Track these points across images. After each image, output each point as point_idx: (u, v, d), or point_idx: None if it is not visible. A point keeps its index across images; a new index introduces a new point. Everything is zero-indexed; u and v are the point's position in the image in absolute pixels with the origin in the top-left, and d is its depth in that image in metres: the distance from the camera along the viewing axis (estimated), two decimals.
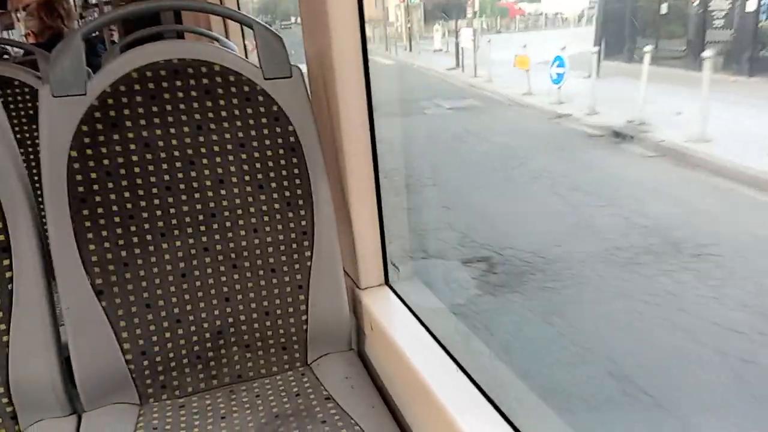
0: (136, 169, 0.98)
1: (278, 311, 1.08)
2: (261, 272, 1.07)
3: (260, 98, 1.03)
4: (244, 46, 2.63)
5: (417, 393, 0.94)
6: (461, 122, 8.54)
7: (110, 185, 0.97)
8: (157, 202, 1.00)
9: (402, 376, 1.02)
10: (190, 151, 1.01)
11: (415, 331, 1.05)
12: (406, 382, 1.00)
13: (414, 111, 9.28)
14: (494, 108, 9.62)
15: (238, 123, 1.03)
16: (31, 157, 1.67)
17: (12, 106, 1.65)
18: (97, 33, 2.60)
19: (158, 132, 0.99)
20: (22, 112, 1.66)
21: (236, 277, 1.06)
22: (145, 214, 0.99)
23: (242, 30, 2.67)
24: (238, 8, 2.59)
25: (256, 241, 1.06)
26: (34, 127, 1.67)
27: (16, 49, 2.83)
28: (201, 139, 1.01)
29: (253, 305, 1.07)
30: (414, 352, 0.98)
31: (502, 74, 11.07)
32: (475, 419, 0.83)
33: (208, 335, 1.05)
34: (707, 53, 6.21)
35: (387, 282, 1.22)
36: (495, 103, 9.94)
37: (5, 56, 2.70)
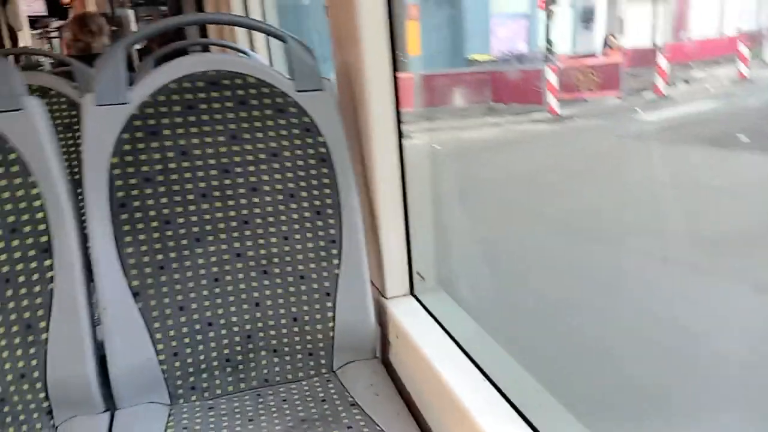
0: (173, 176, 1.02)
1: (306, 317, 1.10)
2: (290, 279, 1.09)
3: (292, 110, 1.06)
4: (269, 60, 2.69)
5: (442, 401, 0.95)
6: None
7: (148, 191, 1.00)
8: (192, 208, 1.03)
9: (427, 384, 1.03)
10: (224, 160, 1.04)
11: (441, 341, 1.06)
12: (431, 390, 1.01)
13: None
14: None
15: (271, 133, 1.06)
16: (66, 164, 1.72)
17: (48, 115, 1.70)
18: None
19: (194, 140, 1.02)
20: (57, 121, 1.71)
21: (266, 283, 1.08)
22: (181, 220, 1.02)
23: (268, 43, 2.73)
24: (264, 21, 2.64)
25: (286, 248, 1.08)
26: (69, 135, 1.72)
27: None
28: (235, 148, 1.04)
29: (282, 311, 1.09)
30: (440, 361, 0.99)
31: None
32: (502, 429, 0.84)
33: (237, 339, 1.08)
34: None
35: (412, 292, 1.24)
36: None
37: (39, 67, 2.80)
